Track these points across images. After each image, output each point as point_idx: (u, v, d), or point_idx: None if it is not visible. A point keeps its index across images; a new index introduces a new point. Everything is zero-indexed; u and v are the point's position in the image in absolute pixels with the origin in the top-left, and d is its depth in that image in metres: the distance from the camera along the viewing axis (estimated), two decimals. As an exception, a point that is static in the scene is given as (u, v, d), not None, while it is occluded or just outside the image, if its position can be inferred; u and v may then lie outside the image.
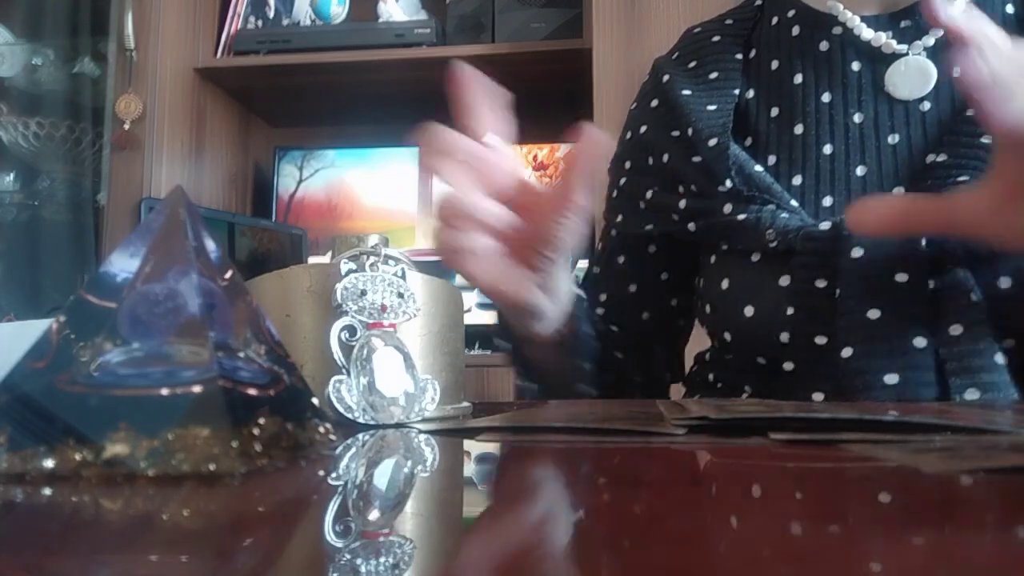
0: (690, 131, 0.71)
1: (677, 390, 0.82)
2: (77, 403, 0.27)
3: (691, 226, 0.70)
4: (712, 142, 0.68)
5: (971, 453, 0.29)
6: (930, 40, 0.65)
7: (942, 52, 0.65)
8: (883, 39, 0.67)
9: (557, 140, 1.91)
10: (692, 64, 0.76)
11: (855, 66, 0.67)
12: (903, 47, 0.66)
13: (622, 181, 0.78)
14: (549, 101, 1.92)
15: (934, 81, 0.65)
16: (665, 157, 0.73)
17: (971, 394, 0.56)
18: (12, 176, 1.84)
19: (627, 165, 0.78)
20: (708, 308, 0.70)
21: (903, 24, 0.67)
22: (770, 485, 0.27)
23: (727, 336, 0.68)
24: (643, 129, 0.78)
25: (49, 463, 0.26)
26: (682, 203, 0.70)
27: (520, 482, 0.29)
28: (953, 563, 0.17)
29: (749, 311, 0.65)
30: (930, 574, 0.16)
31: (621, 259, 0.79)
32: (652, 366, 0.78)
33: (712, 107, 0.71)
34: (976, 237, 0.52)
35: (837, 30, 0.69)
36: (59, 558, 0.18)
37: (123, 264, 0.29)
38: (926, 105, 0.65)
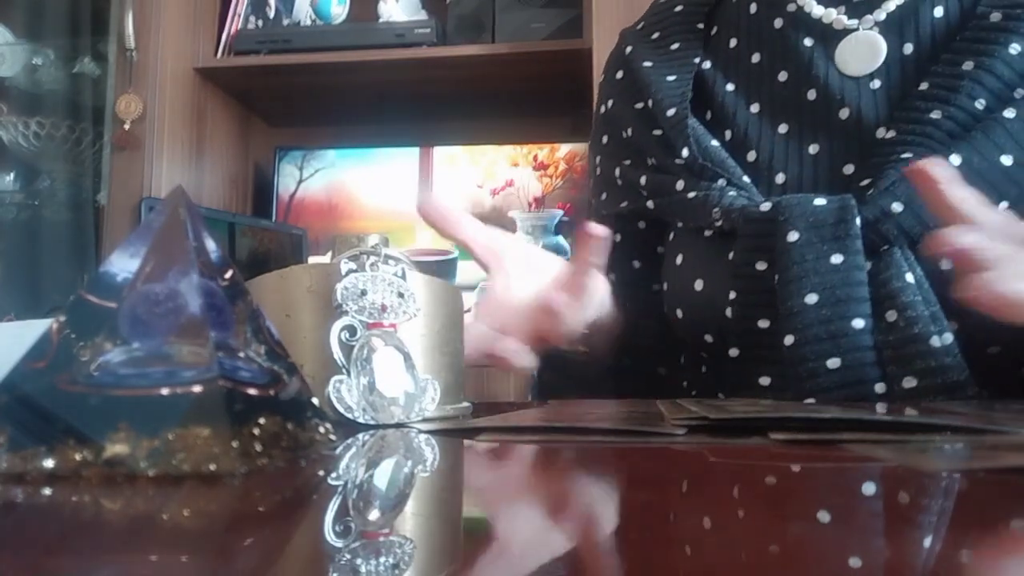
0: (650, 102, 0.71)
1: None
2: (77, 403, 0.27)
3: (650, 204, 0.70)
4: (671, 112, 0.69)
5: (971, 453, 0.29)
6: (881, 15, 0.65)
7: (892, 26, 0.65)
8: (833, 15, 0.66)
9: (557, 140, 1.91)
10: (655, 35, 0.77)
11: (807, 42, 0.67)
12: (853, 22, 0.66)
13: (598, 159, 0.79)
14: (549, 101, 1.92)
15: (883, 56, 0.64)
16: (629, 130, 0.74)
17: (908, 382, 0.56)
18: (12, 176, 1.84)
19: (604, 140, 0.78)
20: (665, 285, 0.71)
21: None
22: (770, 485, 0.27)
23: (679, 313, 0.68)
24: (611, 103, 0.78)
25: (49, 463, 0.26)
26: (643, 179, 0.71)
27: (520, 482, 0.29)
28: (953, 563, 0.17)
29: (699, 285, 0.66)
30: (930, 574, 0.16)
31: (618, 237, 0.78)
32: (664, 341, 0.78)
33: (672, 77, 0.71)
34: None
35: (791, 7, 0.69)
36: (59, 558, 0.18)
37: (123, 264, 0.29)
38: (876, 83, 0.64)
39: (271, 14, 1.93)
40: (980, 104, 0.59)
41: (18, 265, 1.75)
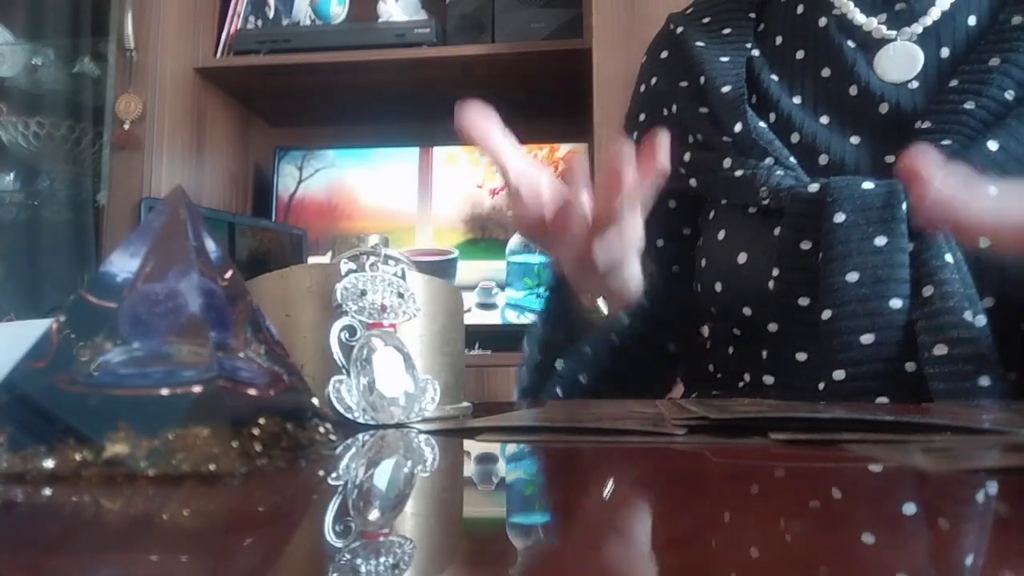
0: (702, 79, 0.73)
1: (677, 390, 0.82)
2: (77, 403, 0.27)
3: (693, 182, 0.72)
4: (726, 89, 0.71)
5: (971, 453, 0.29)
6: (919, 28, 0.68)
7: (930, 38, 0.68)
8: (874, 24, 0.69)
9: (557, 140, 1.91)
10: (706, 20, 0.78)
11: (850, 43, 0.70)
12: (892, 32, 0.68)
13: (635, 135, 0.79)
14: (549, 101, 1.92)
15: (921, 66, 0.67)
16: (674, 107, 0.75)
17: (939, 349, 0.57)
18: (12, 176, 1.84)
19: (641, 118, 0.80)
20: (704, 261, 0.71)
21: (898, 7, 0.69)
22: (770, 485, 0.27)
23: (718, 286, 0.69)
24: (654, 80, 0.79)
25: (49, 463, 0.26)
26: (687, 156, 0.72)
27: (520, 483, 0.29)
28: (954, 563, 0.17)
29: (742, 258, 0.67)
30: (931, 573, 0.16)
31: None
32: (683, 327, 0.78)
33: (725, 59, 0.73)
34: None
35: (836, 11, 0.71)
36: (59, 558, 0.18)
37: (123, 264, 0.29)
38: (914, 84, 0.67)
39: (271, 14, 1.93)
40: (1009, 95, 0.63)
41: (18, 265, 1.75)
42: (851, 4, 0.70)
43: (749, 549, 0.18)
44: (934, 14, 0.68)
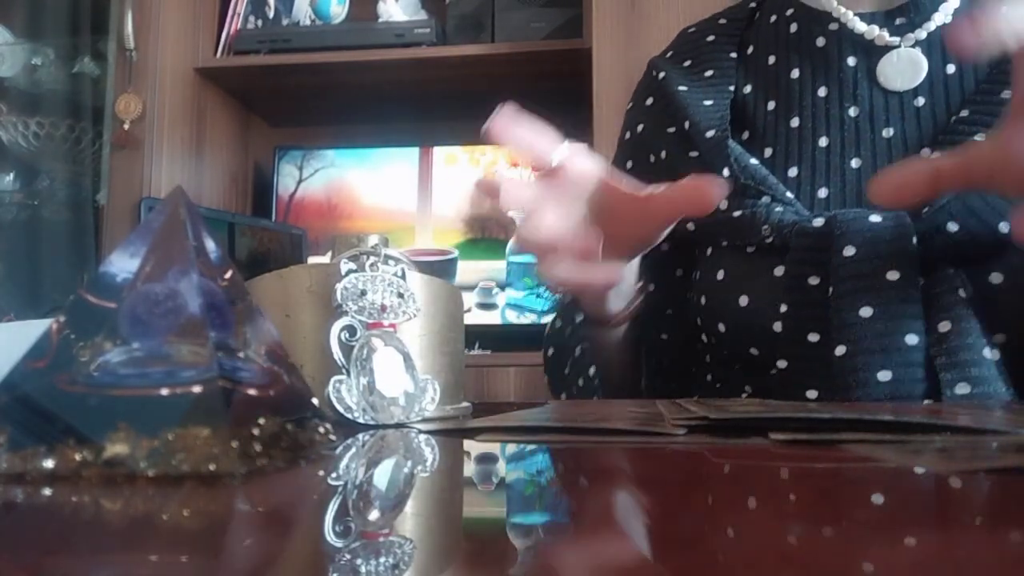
0: (687, 124, 0.72)
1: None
2: (77, 403, 0.27)
3: (690, 225, 0.70)
4: (710, 133, 0.69)
5: (971, 453, 0.29)
6: (922, 33, 0.67)
7: (935, 45, 0.67)
8: (876, 31, 0.68)
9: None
10: (687, 63, 0.78)
11: (851, 61, 0.69)
12: (895, 39, 0.67)
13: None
14: (549, 101, 1.91)
15: (925, 72, 0.66)
16: (663, 154, 0.75)
17: (961, 388, 0.57)
18: (12, 176, 1.84)
19: (629, 165, 0.79)
20: (703, 299, 0.70)
21: (898, 21, 0.68)
22: (770, 485, 0.27)
23: (721, 327, 0.68)
24: (640, 128, 0.79)
25: (49, 463, 0.26)
26: None
27: (520, 483, 0.29)
28: (952, 563, 0.17)
29: (743, 300, 0.66)
30: (929, 574, 0.16)
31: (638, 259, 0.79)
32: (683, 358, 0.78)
33: (709, 102, 0.72)
34: (994, 188, 0.52)
35: (833, 26, 0.70)
36: (59, 558, 0.18)
37: (123, 264, 0.29)
38: (920, 100, 0.66)
39: (271, 14, 1.93)
40: None
41: (18, 265, 1.75)
42: (851, 14, 0.69)
43: (749, 549, 0.18)
44: (938, 19, 0.66)
